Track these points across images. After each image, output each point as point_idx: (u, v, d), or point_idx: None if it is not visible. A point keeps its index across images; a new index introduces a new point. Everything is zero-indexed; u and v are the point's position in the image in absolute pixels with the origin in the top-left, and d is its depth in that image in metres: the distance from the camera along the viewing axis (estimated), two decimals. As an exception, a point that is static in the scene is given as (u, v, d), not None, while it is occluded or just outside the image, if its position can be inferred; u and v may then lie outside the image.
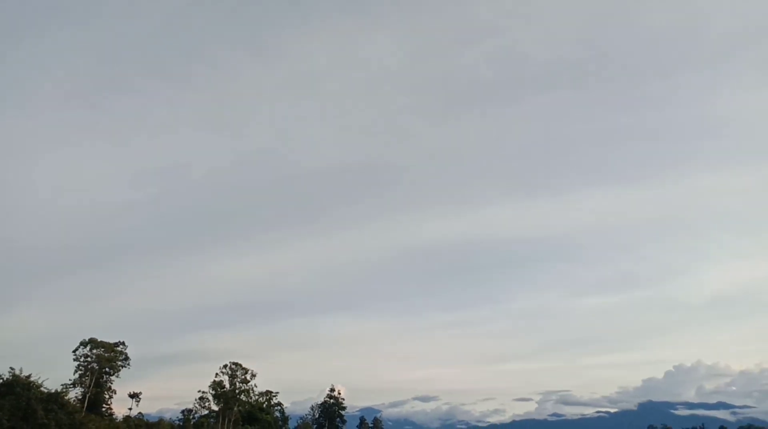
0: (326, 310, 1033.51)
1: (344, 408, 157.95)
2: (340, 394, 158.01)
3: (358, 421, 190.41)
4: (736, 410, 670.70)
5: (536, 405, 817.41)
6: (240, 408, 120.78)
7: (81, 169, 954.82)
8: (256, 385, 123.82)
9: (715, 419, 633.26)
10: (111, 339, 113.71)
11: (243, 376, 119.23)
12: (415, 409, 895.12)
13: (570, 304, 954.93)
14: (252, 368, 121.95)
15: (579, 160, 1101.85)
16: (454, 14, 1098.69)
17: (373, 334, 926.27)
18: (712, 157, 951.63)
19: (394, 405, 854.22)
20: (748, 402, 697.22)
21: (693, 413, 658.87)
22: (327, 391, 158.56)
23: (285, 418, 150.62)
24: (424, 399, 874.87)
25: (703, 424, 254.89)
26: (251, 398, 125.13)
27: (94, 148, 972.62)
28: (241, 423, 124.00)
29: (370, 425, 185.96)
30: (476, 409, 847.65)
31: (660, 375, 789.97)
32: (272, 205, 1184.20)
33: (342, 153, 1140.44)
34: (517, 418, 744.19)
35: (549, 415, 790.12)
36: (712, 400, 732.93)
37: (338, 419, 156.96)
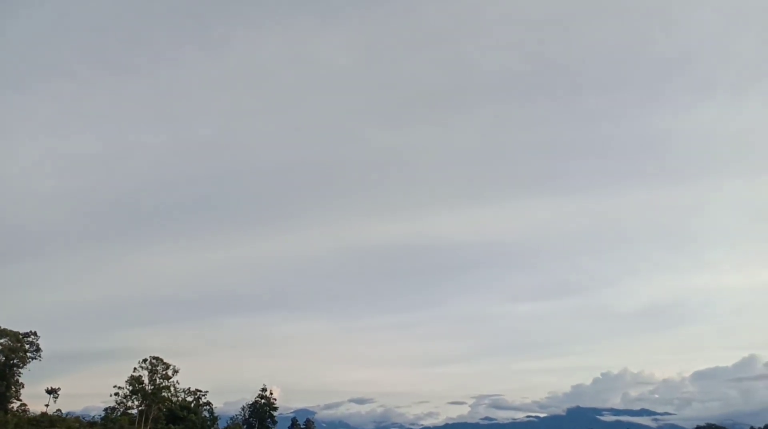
0: (265, 309, 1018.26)
1: (275, 408, 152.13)
2: (272, 394, 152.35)
3: (290, 422, 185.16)
4: (658, 417, 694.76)
5: (469, 408, 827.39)
6: (160, 406, 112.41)
7: (8, 156, 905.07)
8: (178, 382, 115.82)
9: (638, 425, 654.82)
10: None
11: (164, 372, 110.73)
12: (350, 411, 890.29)
13: (506, 310, 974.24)
14: (175, 364, 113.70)
15: (522, 170, 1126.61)
16: (406, 19, 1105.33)
17: (312, 334, 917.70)
18: (649, 174, 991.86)
19: (329, 407, 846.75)
20: (669, 409, 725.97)
21: (618, 419, 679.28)
22: (258, 391, 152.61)
23: (214, 419, 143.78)
24: (360, 401, 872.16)
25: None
26: (175, 396, 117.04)
27: (25, 135, 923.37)
28: (164, 422, 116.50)
29: (302, 426, 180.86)
30: (411, 411, 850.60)
31: (588, 381, 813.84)
32: (212, 199, 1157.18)
33: (288, 151, 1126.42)
34: (450, 421, 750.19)
35: (481, 419, 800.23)
36: (636, 407, 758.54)
37: (269, 420, 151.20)
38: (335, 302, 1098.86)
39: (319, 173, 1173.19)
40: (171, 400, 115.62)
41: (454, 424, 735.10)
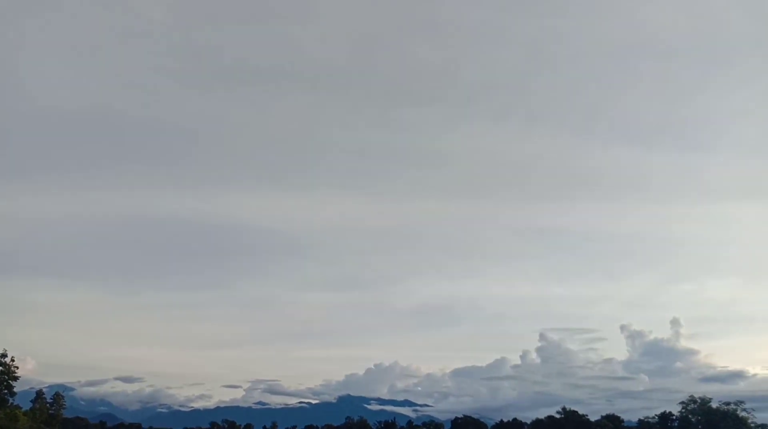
0: (28, 273, 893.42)
1: (16, 378, 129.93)
2: (13, 361, 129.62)
3: (35, 394, 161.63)
4: (418, 408, 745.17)
5: (244, 392, 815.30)
6: None
7: None
8: None
9: (400, 415, 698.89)
10: None
11: None
12: (115, 389, 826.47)
13: (295, 298, 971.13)
14: None
15: (333, 165, 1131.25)
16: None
17: (82, 305, 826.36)
18: (442, 186, 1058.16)
19: (91, 384, 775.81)
20: (429, 401, 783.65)
21: (383, 408, 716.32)
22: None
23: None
24: (127, 380, 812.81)
25: (394, 418, 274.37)
26: None
27: None
28: None
29: (49, 401, 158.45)
30: (182, 393, 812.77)
31: (361, 371, 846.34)
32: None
33: (77, 99, 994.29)
34: (222, 405, 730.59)
35: (254, 403, 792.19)
36: (400, 398, 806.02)
37: (6, 391, 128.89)
38: (111, 273, 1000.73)
39: (109, 130, 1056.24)
40: None
41: (226, 407, 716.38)
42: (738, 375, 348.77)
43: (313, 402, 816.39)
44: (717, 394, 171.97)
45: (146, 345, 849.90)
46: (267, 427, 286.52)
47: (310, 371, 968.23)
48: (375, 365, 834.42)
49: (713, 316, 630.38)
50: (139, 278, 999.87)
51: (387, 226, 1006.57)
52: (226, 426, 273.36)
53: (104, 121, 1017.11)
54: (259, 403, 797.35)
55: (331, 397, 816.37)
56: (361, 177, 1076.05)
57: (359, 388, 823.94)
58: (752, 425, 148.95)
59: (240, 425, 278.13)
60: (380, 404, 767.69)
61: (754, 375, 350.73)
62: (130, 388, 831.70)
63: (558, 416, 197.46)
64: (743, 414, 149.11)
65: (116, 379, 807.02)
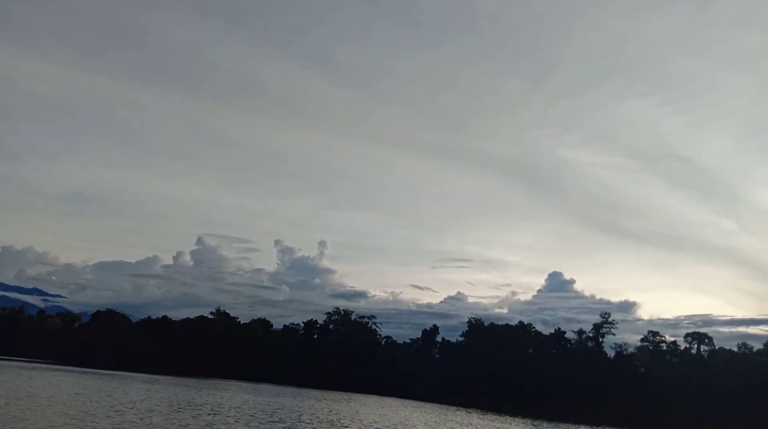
0: None
1: None
2: None
3: None
4: (48, 298, 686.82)
5: None
6: None
7: None
8: None
9: (28, 304, 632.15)
10: None
11: None
12: None
13: None
14: None
15: None
16: None
17: None
18: (122, 64, 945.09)
19: None
20: (63, 292, 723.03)
21: (5, 295, 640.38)
22: None
23: None
24: None
25: (23, 306, 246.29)
26: None
27: None
28: None
29: None
30: None
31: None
32: None
33: None
34: None
35: None
36: (29, 286, 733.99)
37: None
38: None
39: None
40: None
41: None
42: (361, 294, 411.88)
43: None
44: (343, 308, 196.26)
45: None
46: None
47: None
48: (3, 247, 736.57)
49: (354, 244, 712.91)
50: None
51: (48, 93, 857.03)
52: None
53: None
54: None
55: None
56: (21, 24, 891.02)
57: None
58: (379, 337, 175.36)
59: None
60: (3, 290, 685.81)
61: (374, 296, 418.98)
62: None
63: (211, 317, 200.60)
64: (373, 327, 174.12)
65: None
